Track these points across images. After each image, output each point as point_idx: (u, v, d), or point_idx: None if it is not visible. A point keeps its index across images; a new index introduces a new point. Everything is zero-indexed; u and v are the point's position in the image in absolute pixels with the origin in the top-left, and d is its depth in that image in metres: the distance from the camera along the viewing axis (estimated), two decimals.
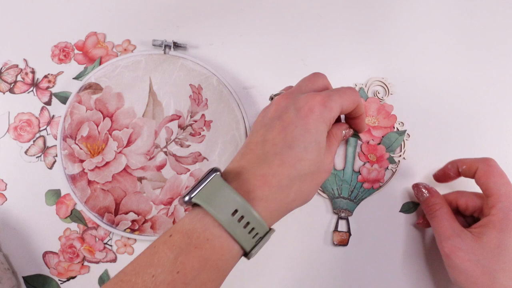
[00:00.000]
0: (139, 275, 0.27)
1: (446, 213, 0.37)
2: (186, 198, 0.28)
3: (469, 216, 0.39)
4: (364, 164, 0.43)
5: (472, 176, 0.38)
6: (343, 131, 0.35)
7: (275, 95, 0.35)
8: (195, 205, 0.29)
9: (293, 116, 0.30)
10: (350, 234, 0.42)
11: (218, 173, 0.29)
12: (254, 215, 0.28)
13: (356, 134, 0.37)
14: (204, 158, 0.42)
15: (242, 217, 0.28)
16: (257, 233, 0.28)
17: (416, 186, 0.41)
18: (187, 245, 0.27)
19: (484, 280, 0.33)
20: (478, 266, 0.33)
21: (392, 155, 0.44)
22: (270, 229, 0.30)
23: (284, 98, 0.32)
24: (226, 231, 0.27)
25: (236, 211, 0.27)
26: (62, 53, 0.45)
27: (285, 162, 0.29)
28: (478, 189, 0.38)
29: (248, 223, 0.28)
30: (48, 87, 0.44)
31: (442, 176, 0.41)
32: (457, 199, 0.39)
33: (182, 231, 0.28)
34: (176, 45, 0.45)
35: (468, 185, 0.41)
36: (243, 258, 0.30)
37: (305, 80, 0.34)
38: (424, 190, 0.40)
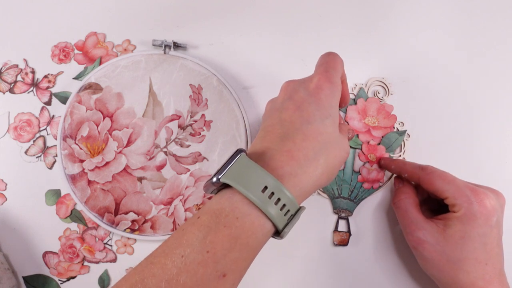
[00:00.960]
0: (168, 256, 0.26)
1: (411, 204, 0.38)
2: (214, 179, 0.28)
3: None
4: (364, 164, 0.43)
5: (417, 183, 0.39)
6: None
7: None
8: (222, 187, 0.29)
9: (304, 95, 0.32)
10: (350, 234, 0.42)
11: (243, 153, 0.29)
12: (284, 191, 0.28)
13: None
14: (204, 158, 0.42)
15: (272, 193, 0.27)
16: (288, 210, 0.28)
17: (397, 179, 0.42)
18: (216, 224, 0.27)
19: (450, 268, 0.35)
20: (443, 256, 0.35)
21: (392, 155, 0.44)
22: (301, 207, 0.30)
23: (289, 83, 0.34)
24: (256, 208, 0.27)
25: (266, 187, 0.27)
26: (62, 53, 0.45)
27: (307, 136, 0.30)
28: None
29: (279, 199, 0.28)
30: (48, 87, 0.44)
31: (387, 168, 0.43)
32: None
33: (210, 212, 0.27)
34: (176, 45, 0.45)
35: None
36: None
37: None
38: (398, 181, 0.41)
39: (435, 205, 0.40)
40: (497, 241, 0.35)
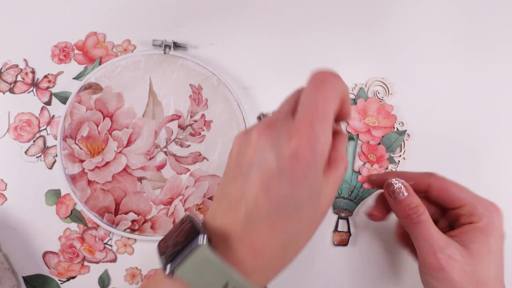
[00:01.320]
0: None
1: (430, 218, 0.32)
2: (168, 271, 0.24)
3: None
4: (364, 164, 0.43)
5: (420, 192, 0.34)
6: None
7: (263, 115, 0.31)
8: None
9: (274, 167, 0.24)
10: (350, 234, 0.42)
11: (204, 243, 0.24)
12: (253, 284, 0.24)
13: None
14: (204, 158, 0.42)
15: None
16: None
17: (390, 185, 0.34)
18: None
19: None
20: (473, 277, 0.30)
21: (392, 155, 0.44)
22: None
23: (262, 136, 0.25)
24: None
25: (227, 284, 0.23)
26: (62, 53, 0.45)
27: (274, 227, 0.24)
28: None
29: None
30: (48, 87, 0.44)
31: (380, 184, 0.35)
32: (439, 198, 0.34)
33: None
34: (176, 45, 0.45)
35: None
36: None
37: (287, 101, 0.28)
38: (400, 188, 0.33)
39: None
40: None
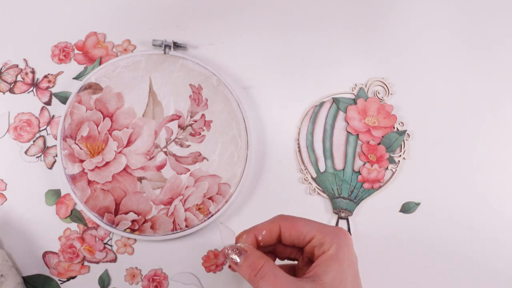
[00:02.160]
0: None
1: (275, 267, 0.31)
2: None
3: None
4: (364, 164, 0.43)
5: (276, 239, 0.33)
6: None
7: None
8: None
9: None
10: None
11: None
12: None
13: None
14: (204, 158, 0.42)
15: None
16: None
17: (227, 254, 0.33)
18: None
19: None
20: None
21: (392, 155, 0.44)
22: None
23: None
24: None
25: None
26: (62, 53, 0.45)
27: None
28: None
29: None
30: (48, 87, 0.44)
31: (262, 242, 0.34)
32: (274, 248, 0.34)
33: None
34: (176, 45, 0.45)
35: None
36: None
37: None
38: (235, 256, 0.32)
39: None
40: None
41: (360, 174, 0.43)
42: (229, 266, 0.34)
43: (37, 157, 0.43)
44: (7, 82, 0.44)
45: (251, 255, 0.32)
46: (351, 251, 0.31)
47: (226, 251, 0.32)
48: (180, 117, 0.43)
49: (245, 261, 0.31)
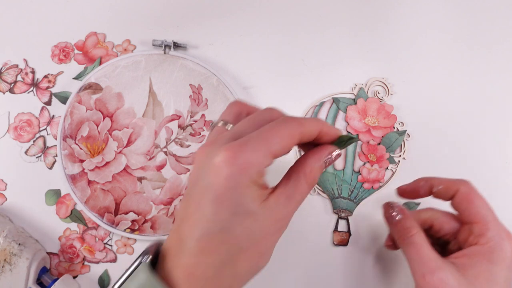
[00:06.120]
0: None
1: (425, 240, 0.31)
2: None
3: (436, 238, 0.35)
4: (364, 164, 0.43)
5: (448, 199, 0.33)
6: (324, 159, 0.27)
7: (213, 125, 0.29)
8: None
9: (204, 184, 0.24)
10: (350, 234, 0.42)
11: (146, 261, 0.25)
12: None
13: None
14: None
15: None
16: None
17: (387, 206, 0.35)
18: None
19: None
20: None
21: (392, 155, 0.44)
22: None
23: (202, 150, 0.26)
24: None
25: None
26: (62, 53, 0.45)
27: (204, 249, 0.24)
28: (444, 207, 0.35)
29: None
30: (48, 87, 0.44)
31: (410, 192, 0.36)
32: (432, 220, 0.34)
33: None
34: (176, 45, 0.45)
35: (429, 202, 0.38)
36: None
37: (225, 113, 0.29)
38: (396, 212, 0.34)
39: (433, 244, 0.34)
40: None
41: (360, 174, 0.43)
42: (385, 217, 0.35)
43: (37, 157, 0.43)
44: (7, 82, 0.44)
45: (407, 220, 0.33)
46: (509, 259, 0.29)
47: (393, 206, 0.34)
48: (180, 117, 0.43)
49: (401, 222, 0.33)
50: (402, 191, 0.37)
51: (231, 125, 0.28)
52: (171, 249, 0.26)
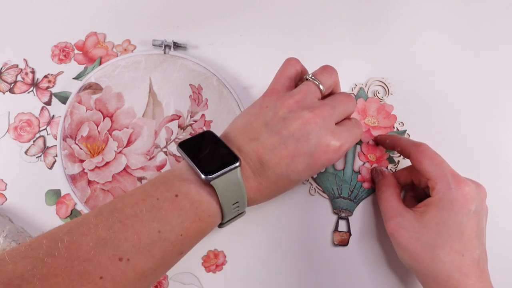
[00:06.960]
0: (144, 225, 0.28)
1: (391, 195, 0.39)
2: (203, 177, 0.31)
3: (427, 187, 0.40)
4: (364, 164, 0.43)
5: (407, 158, 0.39)
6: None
7: (311, 77, 0.37)
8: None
9: (307, 150, 0.33)
10: (350, 234, 0.42)
11: (238, 167, 0.32)
12: (245, 208, 0.34)
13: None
14: None
15: (237, 205, 0.33)
16: (239, 213, 0.35)
17: (374, 169, 0.43)
18: (194, 215, 0.30)
19: (425, 256, 0.34)
20: (418, 243, 0.35)
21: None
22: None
23: (308, 121, 0.33)
24: (221, 212, 0.33)
25: (237, 202, 0.33)
26: (62, 53, 0.45)
27: (274, 182, 0.34)
28: None
29: (238, 208, 0.33)
30: (48, 87, 0.44)
31: (381, 144, 0.43)
32: (410, 176, 0.40)
33: (190, 198, 0.31)
34: (176, 45, 0.45)
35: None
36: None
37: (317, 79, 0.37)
38: (377, 174, 0.42)
39: (420, 194, 0.41)
40: (476, 233, 0.34)
41: (360, 174, 0.43)
42: (372, 178, 0.43)
43: (37, 157, 0.43)
44: (7, 82, 0.44)
45: (383, 179, 0.41)
46: (460, 203, 0.34)
47: (376, 168, 0.43)
48: (180, 117, 0.43)
49: (378, 183, 0.41)
50: (377, 140, 0.44)
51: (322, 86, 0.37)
52: (250, 166, 0.33)
